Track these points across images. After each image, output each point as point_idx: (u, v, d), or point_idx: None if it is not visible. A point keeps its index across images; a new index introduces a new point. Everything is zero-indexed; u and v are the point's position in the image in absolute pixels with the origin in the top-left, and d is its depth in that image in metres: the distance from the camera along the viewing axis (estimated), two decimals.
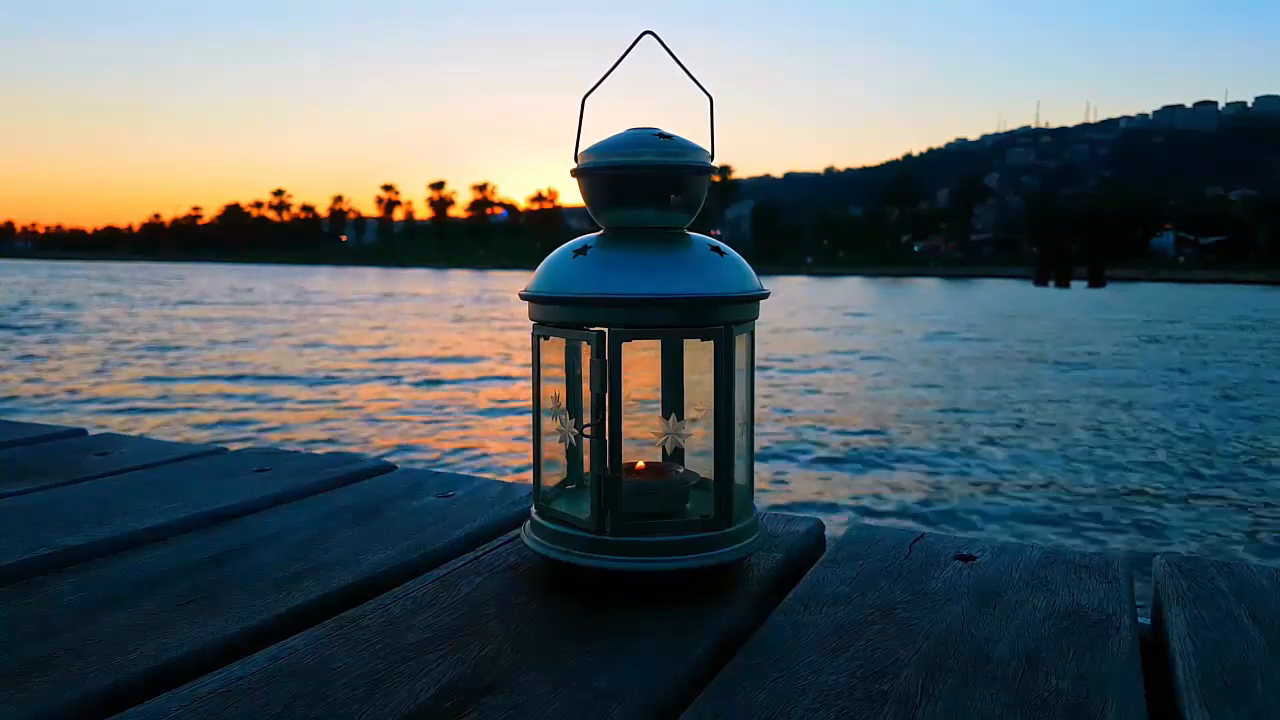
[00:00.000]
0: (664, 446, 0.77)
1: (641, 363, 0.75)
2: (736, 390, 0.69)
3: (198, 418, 7.88)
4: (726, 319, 0.68)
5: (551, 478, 0.77)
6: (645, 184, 0.70)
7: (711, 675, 0.56)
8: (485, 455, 6.64)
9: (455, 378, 10.64)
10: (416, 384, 10.19)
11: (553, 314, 0.70)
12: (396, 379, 10.54)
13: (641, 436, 0.75)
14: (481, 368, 11.68)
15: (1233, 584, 0.71)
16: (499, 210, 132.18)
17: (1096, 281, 50.38)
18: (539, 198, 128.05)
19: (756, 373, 0.75)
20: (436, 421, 7.88)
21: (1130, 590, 0.70)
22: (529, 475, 0.77)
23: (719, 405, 0.68)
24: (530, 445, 0.75)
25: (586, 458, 0.70)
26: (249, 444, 1.80)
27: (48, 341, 14.13)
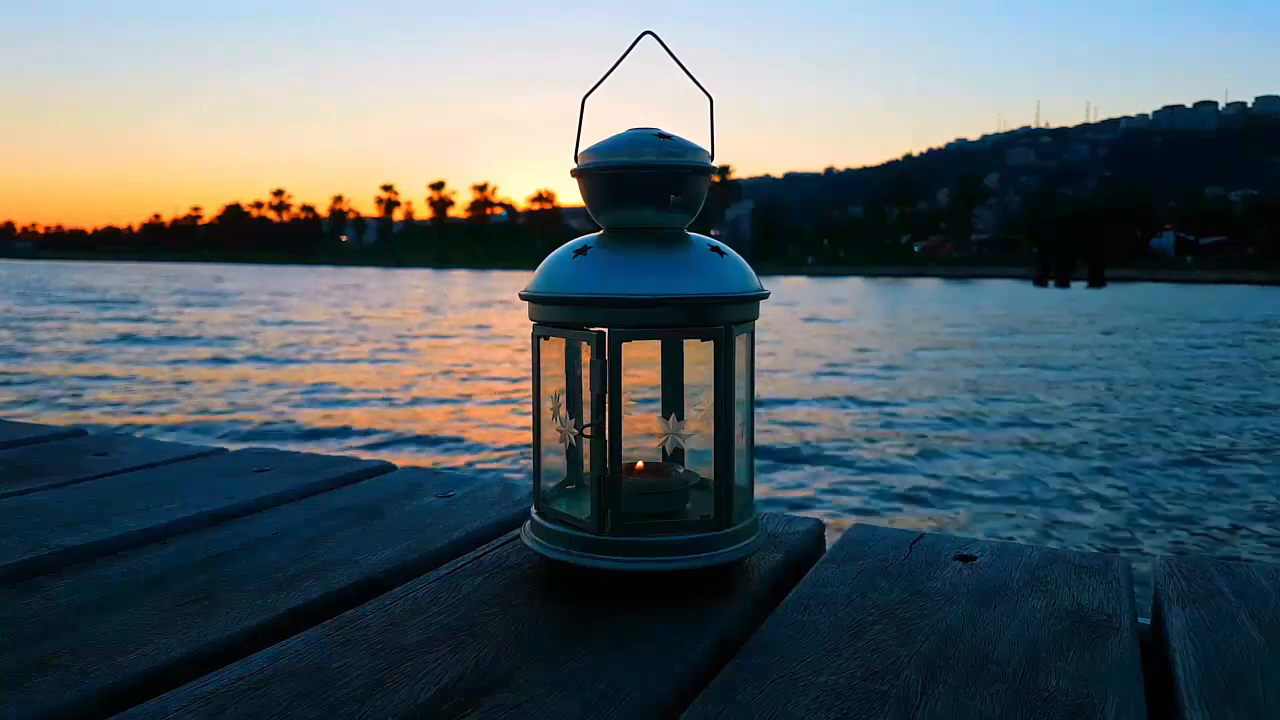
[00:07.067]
0: (664, 446, 0.77)
1: (641, 363, 0.75)
2: (737, 390, 0.69)
3: None
4: (726, 319, 0.68)
5: (551, 476, 0.77)
6: (645, 184, 0.70)
7: (711, 675, 0.56)
8: None
9: None
10: None
11: (553, 314, 0.70)
12: None
13: (641, 436, 0.75)
14: None
15: (1233, 584, 0.71)
16: (499, 210, 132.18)
17: (1096, 281, 50.38)
18: (539, 198, 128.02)
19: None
20: None
21: (1130, 590, 0.70)
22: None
23: (719, 406, 0.68)
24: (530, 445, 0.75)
25: (586, 458, 0.70)
26: None
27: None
